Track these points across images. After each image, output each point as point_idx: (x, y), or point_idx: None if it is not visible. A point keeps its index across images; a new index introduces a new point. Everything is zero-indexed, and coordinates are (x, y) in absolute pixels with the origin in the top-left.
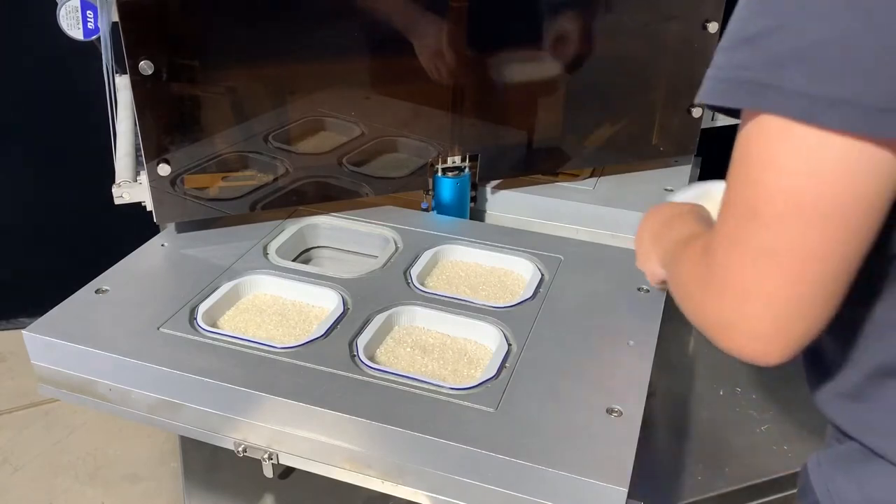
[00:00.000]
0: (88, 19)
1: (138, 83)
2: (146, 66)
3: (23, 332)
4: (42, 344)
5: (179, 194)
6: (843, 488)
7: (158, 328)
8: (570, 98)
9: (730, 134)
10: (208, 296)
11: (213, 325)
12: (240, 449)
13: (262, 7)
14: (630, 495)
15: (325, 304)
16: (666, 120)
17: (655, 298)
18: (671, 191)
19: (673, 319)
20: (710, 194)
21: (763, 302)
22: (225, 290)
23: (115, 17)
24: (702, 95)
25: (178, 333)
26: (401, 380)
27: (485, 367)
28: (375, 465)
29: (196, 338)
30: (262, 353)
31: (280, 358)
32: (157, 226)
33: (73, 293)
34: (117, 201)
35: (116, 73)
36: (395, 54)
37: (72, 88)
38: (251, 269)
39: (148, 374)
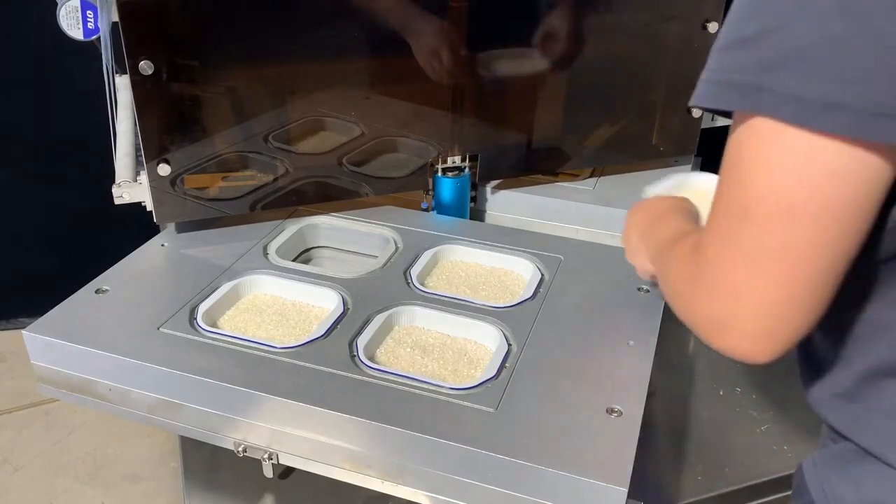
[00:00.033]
0: (88, 19)
1: (138, 83)
2: (146, 66)
3: (23, 332)
4: (42, 344)
5: (179, 194)
6: (838, 488)
7: (158, 328)
8: (570, 98)
9: None
10: (208, 296)
11: (213, 325)
12: (240, 449)
13: (261, 7)
14: (630, 495)
15: (325, 304)
16: (666, 120)
17: (655, 298)
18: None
19: (673, 319)
20: (686, 185)
21: (753, 302)
22: (225, 290)
23: (115, 17)
24: (696, 98)
25: (178, 333)
26: (401, 380)
27: (485, 367)
28: (375, 465)
29: (196, 338)
30: (262, 353)
31: (280, 358)
32: (157, 226)
33: (73, 293)
34: (117, 201)
35: (116, 73)
36: (395, 54)
37: (72, 88)
38: (251, 269)
39: (148, 374)
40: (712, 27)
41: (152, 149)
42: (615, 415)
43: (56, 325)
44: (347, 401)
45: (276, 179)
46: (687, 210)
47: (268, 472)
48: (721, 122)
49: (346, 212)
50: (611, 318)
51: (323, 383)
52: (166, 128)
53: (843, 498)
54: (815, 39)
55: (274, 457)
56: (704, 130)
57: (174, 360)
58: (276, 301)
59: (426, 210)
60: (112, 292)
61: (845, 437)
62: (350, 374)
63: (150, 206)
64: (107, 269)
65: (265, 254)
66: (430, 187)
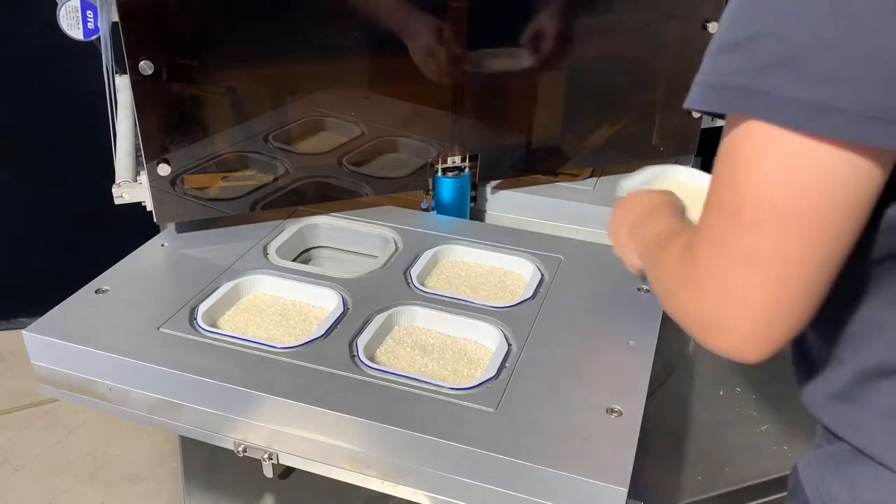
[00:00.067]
0: (88, 19)
1: (138, 83)
2: (146, 66)
3: (23, 332)
4: (42, 344)
5: (179, 194)
6: (832, 488)
7: (158, 328)
8: (570, 98)
9: None
10: (208, 296)
11: (213, 325)
12: (240, 449)
13: (262, 7)
14: (630, 495)
15: (325, 304)
16: (666, 120)
17: (655, 298)
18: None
19: (673, 319)
20: (660, 178)
21: (745, 302)
22: (225, 290)
23: (115, 17)
24: (690, 101)
25: (178, 333)
26: (401, 380)
27: (485, 367)
28: (375, 465)
29: (196, 338)
30: (262, 353)
31: (280, 358)
32: (157, 226)
33: (73, 293)
34: (117, 201)
35: (116, 73)
36: (394, 54)
37: (72, 88)
38: (251, 269)
39: (148, 374)
40: (712, 27)
41: (152, 149)
42: (615, 415)
43: (56, 325)
44: (347, 401)
45: (276, 179)
46: (674, 205)
47: (268, 472)
48: (721, 122)
49: (346, 212)
50: (611, 318)
51: (323, 383)
52: (166, 128)
53: (837, 498)
54: (809, 42)
55: (274, 457)
56: (704, 130)
57: (174, 360)
58: (276, 301)
59: (426, 210)
60: (112, 292)
61: (839, 438)
62: (350, 374)
63: (150, 206)
64: (107, 269)
65: (265, 254)
66: (430, 187)
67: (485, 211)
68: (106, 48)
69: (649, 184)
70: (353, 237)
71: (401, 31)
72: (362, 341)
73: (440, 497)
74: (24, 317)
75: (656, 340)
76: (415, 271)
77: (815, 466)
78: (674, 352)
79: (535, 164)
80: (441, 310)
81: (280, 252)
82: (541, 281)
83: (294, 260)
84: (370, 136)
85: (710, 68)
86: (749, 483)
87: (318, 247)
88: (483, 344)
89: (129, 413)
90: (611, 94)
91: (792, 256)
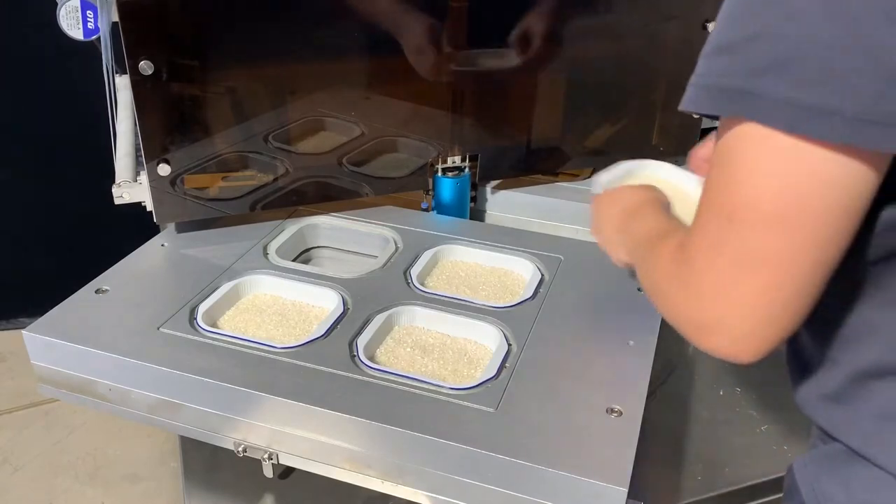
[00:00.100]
0: (88, 19)
1: (138, 83)
2: (146, 66)
3: (23, 332)
4: (42, 344)
5: (179, 194)
6: (827, 489)
7: (158, 328)
8: (570, 98)
9: None
10: (208, 296)
11: (213, 325)
12: (240, 449)
13: (261, 7)
14: (630, 495)
15: (325, 304)
16: (666, 120)
17: None
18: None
19: (664, 318)
20: (635, 173)
21: (739, 304)
22: (225, 290)
23: (115, 17)
24: (684, 103)
25: (178, 333)
26: (401, 380)
27: (485, 367)
28: (375, 465)
29: (196, 338)
30: (262, 353)
31: (280, 358)
32: (157, 226)
33: (73, 293)
34: (117, 201)
35: (116, 73)
36: (395, 54)
37: (72, 88)
38: (251, 269)
39: (148, 374)
40: (712, 27)
41: (152, 149)
42: (615, 415)
43: (56, 325)
44: (347, 401)
45: (276, 179)
46: (661, 202)
47: (268, 472)
48: None
49: (346, 212)
50: (611, 318)
51: (323, 383)
52: (166, 128)
53: (832, 498)
54: (805, 44)
55: (274, 457)
56: (704, 130)
57: (174, 360)
58: (276, 301)
59: (426, 210)
60: (112, 292)
61: (834, 438)
62: (350, 374)
63: (150, 206)
64: (107, 269)
65: (265, 254)
66: (430, 187)
67: (485, 211)
68: (106, 48)
69: (624, 179)
70: (353, 237)
71: (395, 30)
72: (362, 341)
73: (440, 497)
74: (24, 317)
75: (656, 340)
76: (415, 271)
77: (811, 466)
78: (674, 352)
79: (535, 164)
80: (441, 310)
81: (280, 252)
82: (541, 281)
83: (294, 260)
84: (370, 136)
85: (704, 70)
86: (749, 483)
87: (318, 247)
88: (483, 344)
89: (129, 413)
90: (611, 94)
91: (786, 259)
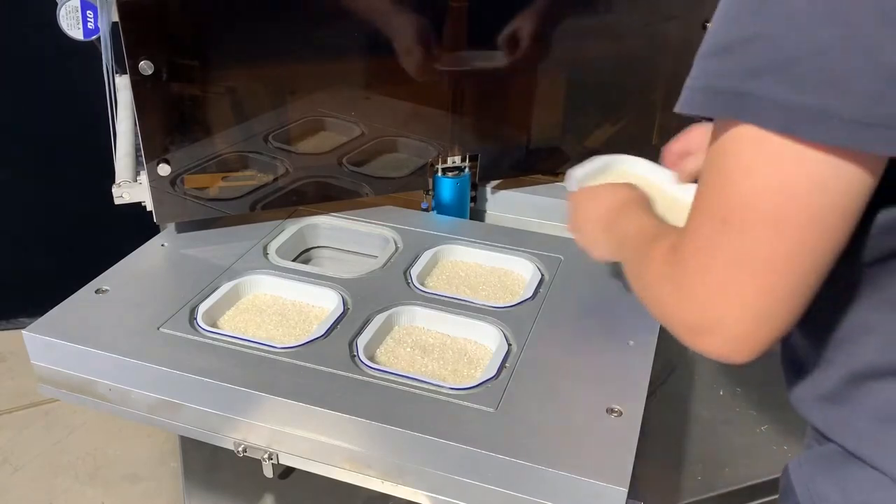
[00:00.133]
0: (88, 19)
1: (138, 83)
2: (146, 66)
3: (23, 332)
4: (42, 344)
5: (179, 194)
6: (823, 489)
7: (158, 328)
8: (570, 98)
9: None
10: (208, 296)
11: (213, 325)
12: (240, 449)
13: (261, 7)
14: (630, 495)
15: (325, 304)
16: (666, 120)
17: None
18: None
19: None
20: (611, 167)
21: (734, 306)
22: (225, 290)
23: (115, 17)
24: (679, 105)
25: (178, 333)
26: (401, 380)
27: (485, 367)
28: (375, 465)
29: (196, 338)
30: (262, 353)
31: (280, 358)
32: (157, 226)
33: (73, 293)
34: (117, 201)
35: (116, 73)
36: (395, 54)
37: (72, 88)
38: (251, 269)
39: (148, 374)
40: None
41: (152, 149)
42: (615, 415)
43: (56, 325)
44: (347, 401)
45: (276, 179)
46: (644, 200)
47: (268, 472)
48: None
49: (346, 212)
50: (611, 318)
51: (323, 383)
52: (166, 128)
53: (827, 499)
54: (803, 47)
55: (274, 457)
56: None
57: (174, 360)
58: (276, 301)
59: (426, 210)
60: (112, 292)
61: (829, 439)
62: (350, 374)
63: (150, 206)
64: (107, 269)
65: (265, 254)
66: (430, 187)
67: (485, 211)
68: (106, 48)
69: (598, 174)
70: (353, 237)
71: (386, 30)
72: (362, 341)
73: (440, 497)
74: (24, 317)
75: (656, 340)
76: (415, 271)
77: (806, 467)
78: (674, 352)
79: (535, 164)
80: (441, 310)
81: (280, 252)
82: (541, 281)
83: (294, 260)
84: (370, 136)
85: (700, 72)
86: (749, 483)
87: (318, 247)
88: (483, 344)
89: (129, 413)
90: (611, 94)
91: (781, 261)
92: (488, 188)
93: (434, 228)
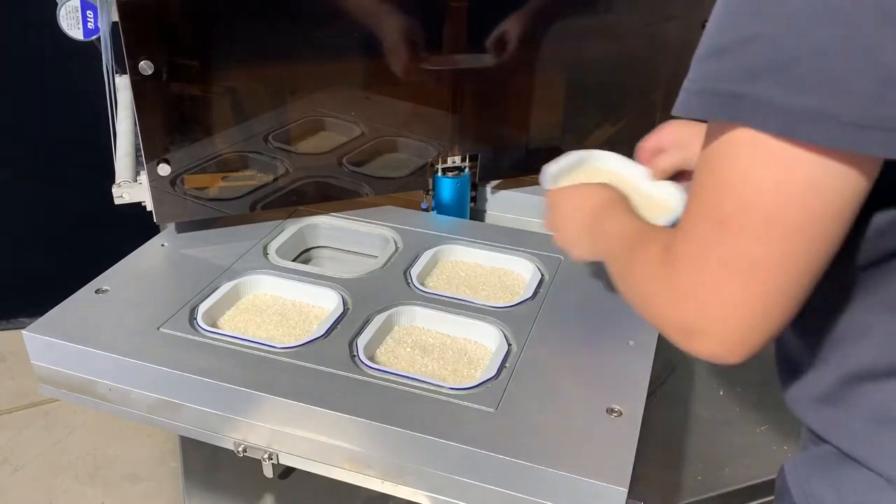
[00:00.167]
0: (88, 19)
1: (138, 83)
2: (146, 66)
3: (23, 332)
4: (42, 344)
5: (179, 194)
6: (818, 490)
7: (158, 328)
8: (570, 98)
9: None
10: (208, 296)
11: (213, 325)
12: (240, 449)
13: (261, 7)
14: (630, 495)
15: (325, 304)
16: (666, 120)
17: None
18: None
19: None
20: (585, 163)
21: (728, 308)
22: (225, 290)
23: (115, 17)
24: (677, 108)
25: (178, 333)
26: (401, 380)
27: (485, 367)
28: (375, 465)
29: (196, 338)
30: (262, 353)
31: (280, 358)
32: (157, 226)
33: (73, 293)
34: (117, 201)
35: (116, 73)
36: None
37: (72, 88)
38: (251, 269)
39: (148, 374)
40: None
41: (152, 149)
42: (615, 415)
43: (56, 325)
44: (347, 401)
45: (276, 179)
46: (625, 201)
47: (268, 472)
48: None
49: (346, 212)
50: (611, 318)
51: (323, 383)
52: (166, 128)
53: (823, 500)
54: (802, 47)
55: (274, 457)
56: None
57: (174, 360)
58: (276, 301)
59: (426, 210)
60: (112, 292)
61: (825, 441)
62: (350, 374)
63: (150, 206)
64: (107, 269)
65: (265, 254)
66: (430, 187)
67: (485, 211)
68: (106, 48)
69: (573, 169)
70: (353, 237)
71: (376, 30)
72: (362, 341)
73: (440, 497)
74: (24, 317)
75: (656, 340)
76: (415, 271)
77: (801, 468)
78: (674, 352)
79: (535, 164)
80: (441, 310)
81: (280, 252)
82: (541, 281)
83: (294, 260)
84: (370, 136)
85: (696, 74)
86: (749, 483)
87: (318, 247)
88: (483, 344)
89: (129, 413)
90: (611, 94)
91: (777, 262)
92: (488, 188)
93: (434, 228)
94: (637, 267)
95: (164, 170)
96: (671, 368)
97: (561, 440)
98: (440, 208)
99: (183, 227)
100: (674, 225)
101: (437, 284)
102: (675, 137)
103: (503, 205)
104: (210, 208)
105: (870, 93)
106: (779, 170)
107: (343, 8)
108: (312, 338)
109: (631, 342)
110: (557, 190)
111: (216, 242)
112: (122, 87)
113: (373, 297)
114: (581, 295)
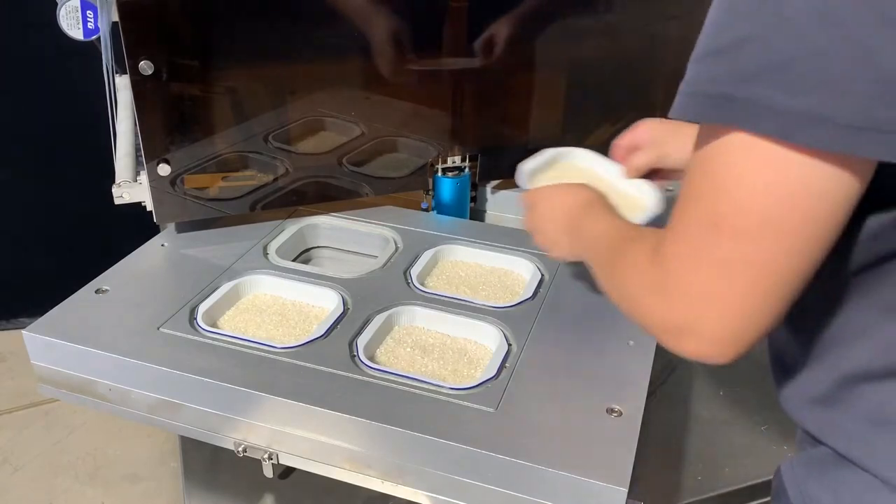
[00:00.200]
0: (88, 19)
1: (138, 83)
2: (146, 66)
3: (23, 332)
4: (42, 344)
5: (179, 194)
6: (815, 492)
7: (158, 328)
8: (570, 98)
9: None
10: (208, 296)
11: (213, 325)
12: (240, 449)
13: (261, 7)
14: (630, 495)
15: (325, 304)
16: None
17: None
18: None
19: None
20: (561, 160)
21: (719, 309)
22: (225, 290)
23: (115, 17)
24: (673, 111)
25: (178, 333)
26: (401, 380)
27: (485, 367)
28: (375, 465)
29: (196, 338)
30: (262, 353)
31: (280, 358)
32: (157, 226)
33: (73, 293)
34: (117, 201)
35: (116, 73)
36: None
37: (72, 88)
38: (251, 269)
39: (148, 374)
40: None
41: (152, 149)
42: (615, 415)
43: (56, 325)
44: (347, 401)
45: (276, 179)
46: (606, 201)
47: (268, 472)
48: None
49: (346, 212)
50: (611, 318)
51: (323, 383)
52: (166, 128)
53: (819, 502)
54: (796, 50)
55: (274, 457)
56: None
57: (174, 360)
58: (276, 301)
59: (426, 210)
60: (112, 292)
61: (821, 442)
62: (350, 374)
63: (150, 206)
64: (107, 269)
65: (265, 254)
66: (430, 187)
67: (485, 211)
68: (106, 48)
69: (548, 166)
70: (353, 237)
71: (364, 29)
72: (362, 341)
73: (440, 497)
74: (24, 317)
75: (656, 340)
76: (415, 271)
77: (798, 469)
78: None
79: None
80: (441, 310)
81: (280, 252)
82: (541, 281)
83: (294, 260)
84: (370, 136)
85: (691, 76)
86: (749, 483)
87: (318, 247)
88: (483, 344)
89: (129, 413)
90: (611, 94)
91: (769, 266)
92: (488, 188)
93: (434, 228)
94: (623, 267)
95: (164, 170)
96: (671, 368)
97: (561, 440)
98: (440, 208)
99: (183, 227)
100: (649, 223)
101: (437, 284)
102: (651, 136)
103: (503, 205)
104: (210, 208)
105: (868, 95)
106: (775, 173)
107: (343, 8)
108: (312, 338)
109: (631, 342)
110: (535, 190)
111: (216, 242)
112: (122, 87)
113: (373, 297)
114: (581, 295)
